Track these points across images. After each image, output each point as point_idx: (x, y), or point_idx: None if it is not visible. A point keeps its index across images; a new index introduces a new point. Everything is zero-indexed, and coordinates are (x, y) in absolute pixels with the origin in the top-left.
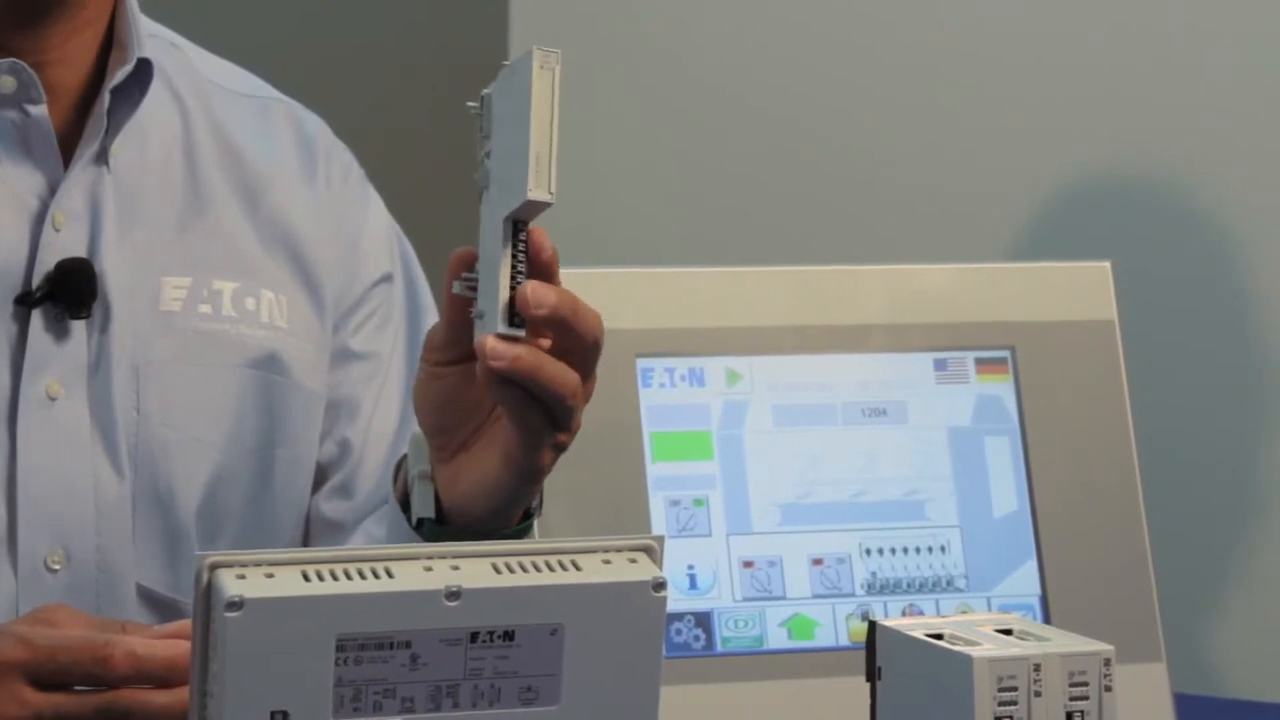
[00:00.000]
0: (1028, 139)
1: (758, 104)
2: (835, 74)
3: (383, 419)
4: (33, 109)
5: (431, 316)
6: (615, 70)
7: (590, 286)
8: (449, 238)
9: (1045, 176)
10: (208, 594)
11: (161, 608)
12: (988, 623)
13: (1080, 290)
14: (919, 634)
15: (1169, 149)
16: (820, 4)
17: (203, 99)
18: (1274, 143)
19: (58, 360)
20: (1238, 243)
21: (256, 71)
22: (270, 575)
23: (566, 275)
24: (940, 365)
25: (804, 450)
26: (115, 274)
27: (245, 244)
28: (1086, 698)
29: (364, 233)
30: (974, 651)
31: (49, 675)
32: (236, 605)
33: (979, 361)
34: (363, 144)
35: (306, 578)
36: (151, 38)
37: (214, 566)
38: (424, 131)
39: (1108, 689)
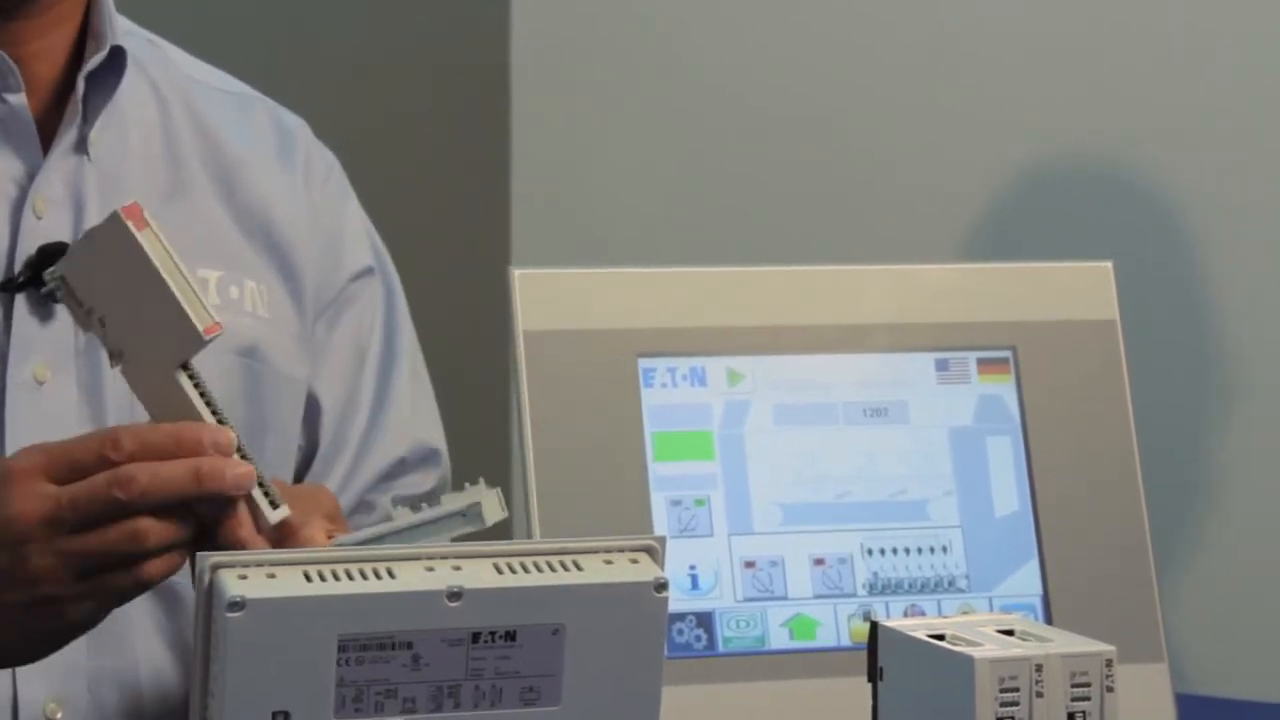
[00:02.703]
0: (1031, 139)
1: (758, 103)
2: (835, 73)
3: (357, 411)
4: (11, 97)
5: (407, 317)
6: (615, 70)
7: (591, 286)
8: (444, 236)
9: (1047, 177)
10: (209, 594)
11: (156, 592)
12: (989, 623)
13: (1082, 290)
14: (920, 634)
15: (1172, 149)
16: (820, 4)
17: (180, 91)
18: (1276, 143)
19: (44, 343)
20: (1239, 243)
21: (252, 71)
22: (272, 575)
23: (568, 275)
24: (942, 365)
25: (805, 450)
26: None
27: (226, 233)
28: (1088, 698)
29: (344, 230)
30: (975, 652)
31: (66, 471)
32: (238, 605)
33: (980, 361)
34: (360, 145)
35: (308, 578)
36: (127, 34)
37: (215, 567)
38: (423, 131)
39: (1109, 689)
